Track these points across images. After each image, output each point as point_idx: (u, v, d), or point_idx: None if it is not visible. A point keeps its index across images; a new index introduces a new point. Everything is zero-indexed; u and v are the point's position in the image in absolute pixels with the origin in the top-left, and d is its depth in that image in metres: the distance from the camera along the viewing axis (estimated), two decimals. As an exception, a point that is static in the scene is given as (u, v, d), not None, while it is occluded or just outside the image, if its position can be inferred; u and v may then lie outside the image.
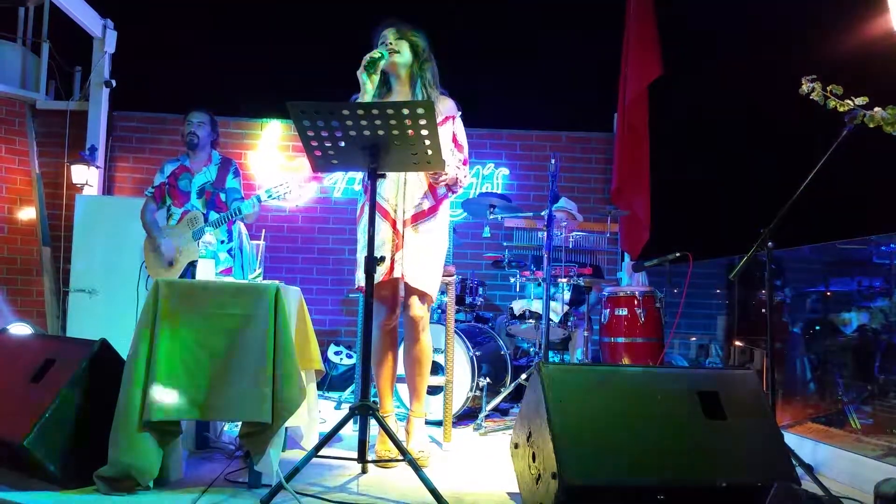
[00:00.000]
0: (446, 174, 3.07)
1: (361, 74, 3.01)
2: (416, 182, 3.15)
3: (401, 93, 3.22)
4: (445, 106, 3.20)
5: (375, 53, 3.01)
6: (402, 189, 3.13)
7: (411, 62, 3.16)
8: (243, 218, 4.01)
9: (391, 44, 3.11)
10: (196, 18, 6.41)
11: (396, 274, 3.08)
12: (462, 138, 3.27)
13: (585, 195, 6.48)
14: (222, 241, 4.03)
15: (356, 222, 3.33)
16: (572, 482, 2.12)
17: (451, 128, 3.20)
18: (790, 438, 2.86)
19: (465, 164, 3.28)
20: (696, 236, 4.61)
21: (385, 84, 3.22)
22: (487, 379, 4.13)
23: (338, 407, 4.67)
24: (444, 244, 3.26)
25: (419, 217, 3.13)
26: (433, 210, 3.17)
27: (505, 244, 4.89)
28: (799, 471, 2.47)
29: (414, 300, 3.16)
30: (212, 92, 5.78)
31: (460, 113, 3.27)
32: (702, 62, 5.89)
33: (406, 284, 3.13)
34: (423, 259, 3.12)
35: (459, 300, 4.75)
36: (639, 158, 6.05)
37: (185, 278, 3.91)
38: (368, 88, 3.01)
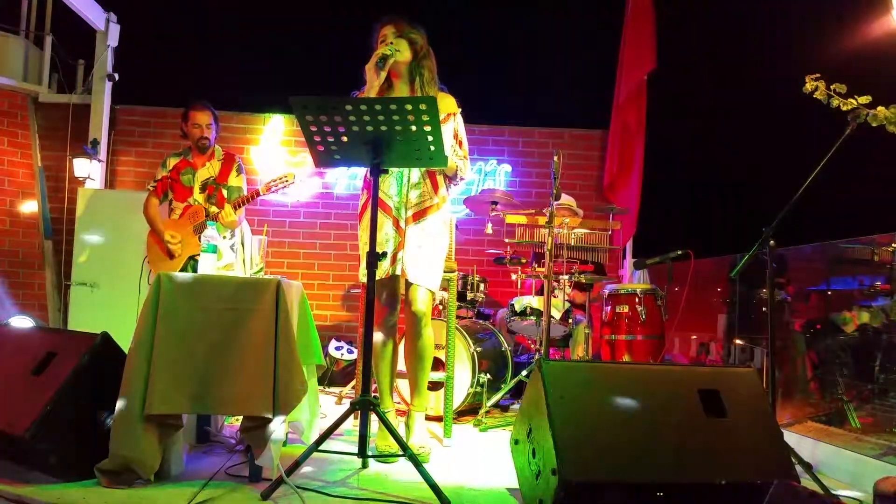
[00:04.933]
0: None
1: (370, 70, 3.02)
2: (419, 179, 3.16)
3: (400, 90, 3.22)
4: (446, 103, 3.21)
5: (387, 50, 3.02)
6: (404, 186, 3.14)
7: (410, 60, 3.17)
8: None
9: (392, 43, 3.11)
10: (199, 12, 6.41)
11: (398, 271, 3.09)
12: (463, 134, 3.28)
13: (588, 192, 6.48)
14: (224, 237, 4.03)
15: (358, 220, 3.33)
16: (572, 479, 2.12)
17: (452, 125, 3.21)
18: (790, 437, 2.87)
19: (465, 158, 3.30)
20: (698, 234, 4.61)
21: (385, 80, 3.22)
22: (488, 375, 4.13)
23: (338, 402, 4.68)
24: (445, 240, 3.28)
25: (422, 214, 3.14)
26: (436, 207, 3.18)
27: (507, 241, 4.88)
28: (798, 469, 2.48)
29: (416, 296, 3.16)
30: (214, 86, 5.78)
31: (460, 110, 3.28)
32: (705, 59, 5.88)
33: (408, 280, 3.14)
34: (425, 255, 3.13)
35: (461, 296, 4.75)
36: (630, 153, 6.06)
37: (187, 272, 3.91)
38: (375, 84, 3.02)
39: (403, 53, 3.13)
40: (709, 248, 4.58)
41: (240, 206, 3.97)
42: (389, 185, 3.15)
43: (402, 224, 3.12)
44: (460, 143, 3.26)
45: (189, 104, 4.16)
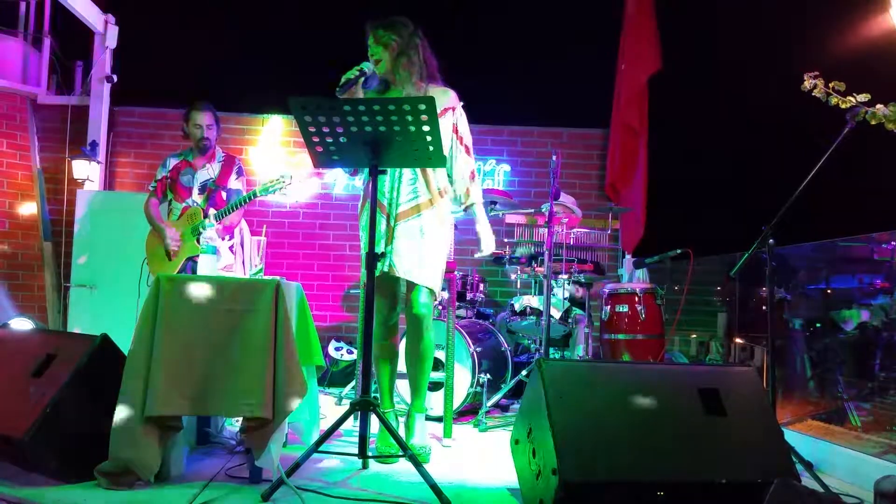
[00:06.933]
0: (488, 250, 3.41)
1: (338, 93, 2.98)
2: (412, 175, 3.16)
3: (393, 92, 3.21)
4: (446, 97, 3.20)
5: (352, 73, 3.00)
6: (396, 184, 3.14)
7: (391, 63, 3.14)
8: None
9: (372, 54, 3.11)
10: (197, 13, 6.41)
11: (385, 268, 3.07)
12: (464, 129, 3.28)
13: (587, 192, 6.48)
14: (225, 238, 4.03)
15: (358, 219, 3.33)
16: (572, 478, 2.12)
17: (451, 119, 3.21)
18: (790, 435, 2.86)
19: (467, 152, 3.30)
20: (698, 233, 4.61)
21: (383, 83, 3.22)
22: (488, 375, 4.13)
23: (338, 403, 4.68)
24: (443, 238, 3.25)
25: (415, 211, 3.13)
26: (429, 203, 3.17)
27: (506, 240, 4.88)
28: (799, 468, 2.47)
29: (416, 297, 3.16)
30: (213, 87, 5.77)
31: (462, 104, 3.27)
32: (703, 58, 5.88)
33: (408, 280, 3.13)
34: (421, 253, 3.11)
35: (460, 296, 4.75)
36: (634, 154, 6.05)
37: (186, 273, 3.91)
38: None
39: (383, 62, 3.11)
40: (708, 247, 4.57)
41: (229, 214, 3.97)
42: (383, 183, 3.14)
43: (391, 221, 3.10)
44: (461, 139, 3.26)
45: (190, 105, 4.17)
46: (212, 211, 3.87)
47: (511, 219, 4.88)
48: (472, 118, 3.38)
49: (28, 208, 6.29)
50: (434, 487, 2.40)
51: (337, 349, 5.63)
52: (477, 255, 3.42)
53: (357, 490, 2.59)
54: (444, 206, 3.26)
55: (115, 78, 6.29)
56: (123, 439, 2.48)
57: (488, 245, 3.38)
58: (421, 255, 3.12)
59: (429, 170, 3.16)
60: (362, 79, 3.03)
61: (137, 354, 2.54)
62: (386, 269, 3.08)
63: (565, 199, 4.98)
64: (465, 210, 3.37)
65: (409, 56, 3.14)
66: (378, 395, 3.32)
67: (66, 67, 6.54)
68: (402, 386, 4.10)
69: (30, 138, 6.33)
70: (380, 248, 3.07)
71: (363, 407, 2.62)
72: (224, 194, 4.12)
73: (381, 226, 3.11)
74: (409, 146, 2.64)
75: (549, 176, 4.01)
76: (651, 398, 2.39)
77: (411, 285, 3.15)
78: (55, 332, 4.76)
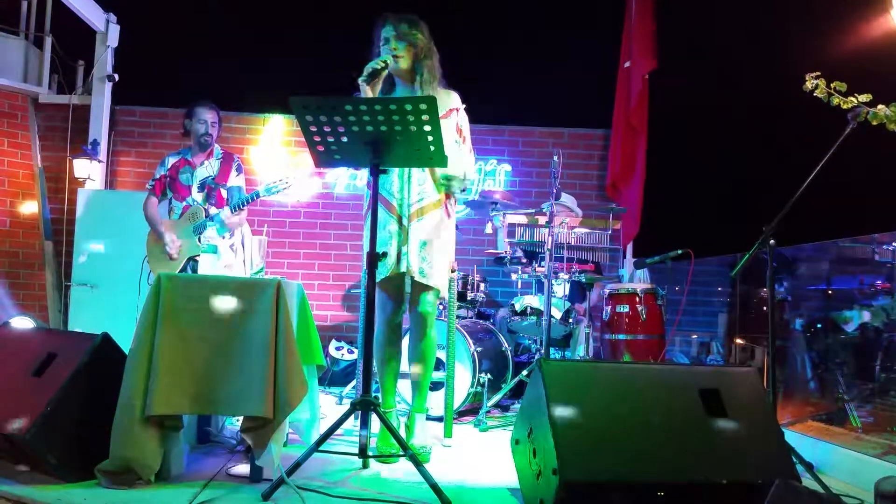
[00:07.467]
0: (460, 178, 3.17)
1: (362, 84, 2.98)
2: (421, 176, 3.16)
3: (402, 90, 3.21)
4: (449, 99, 3.21)
5: (378, 63, 2.98)
6: (406, 183, 3.14)
7: (411, 63, 3.14)
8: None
9: (394, 48, 3.09)
10: (198, 13, 6.41)
11: (402, 269, 3.08)
12: (467, 130, 3.29)
13: (587, 192, 6.48)
14: (224, 237, 4.03)
15: (362, 218, 3.33)
16: (573, 478, 2.12)
17: (455, 119, 3.21)
18: (791, 436, 2.86)
19: (470, 151, 3.32)
20: (699, 233, 4.61)
21: (388, 80, 3.22)
22: (489, 375, 4.13)
23: (339, 402, 4.68)
24: (450, 238, 3.27)
25: (425, 211, 3.13)
26: (438, 203, 3.18)
27: (507, 240, 4.88)
28: (799, 468, 2.47)
29: (422, 296, 3.16)
30: (214, 86, 5.77)
31: (464, 106, 3.27)
32: (704, 59, 5.88)
33: (413, 280, 3.13)
34: (429, 253, 3.12)
35: (461, 296, 4.74)
36: (632, 153, 6.06)
37: (186, 273, 3.91)
38: (369, 96, 2.99)
39: (404, 59, 3.10)
40: (709, 248, 4.57)
41: (245, 206, 3.98)
42: (391, 183, 3.14)
43: (404, 222, 3.11)
44: (465, 139, 3.26)
45: (195, 101, 4.20)
46: (226, 209, 3.88)
47: (512, 219, 4.88)
48: (473, 118, 3.39)
49: (29, 207, 6.29)
50: (434, 487, 2.40)
51: (338, 349, 5.63)
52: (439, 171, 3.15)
53: (357, 490, 2.59)
54: (451, 206, 3.29)
55: (116, 77, 6.29)
56: (124, 438, 2.48)
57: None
58: (432, 256, 3.13)
59: (437, 169, 3.16)
60: (386, 71, 3.02)
61: (138, 353, 2.53)
62: (404, 270, 3.08)
63: (566, 199, 4.98)
64: (451, 185, 3.20)
65: (432, 59, 3.16)
66: (378, 394, 3.32)
67: (68, 66, 6.54)
68: (403, 386, 4.10)
69: (31, 137, 6.33)
70: (390, 248, 3.07)
71: (364, 407, 2.62)
72: (224, 192, 4.12)
73: (392, 226, 3.11)
74: (411, 146, 2.64)
75: (549, 176, 4.01)
76: (652, 399, 2.39)
77: (419, 285, 3.15)
78: (56, 331, 4.76)
